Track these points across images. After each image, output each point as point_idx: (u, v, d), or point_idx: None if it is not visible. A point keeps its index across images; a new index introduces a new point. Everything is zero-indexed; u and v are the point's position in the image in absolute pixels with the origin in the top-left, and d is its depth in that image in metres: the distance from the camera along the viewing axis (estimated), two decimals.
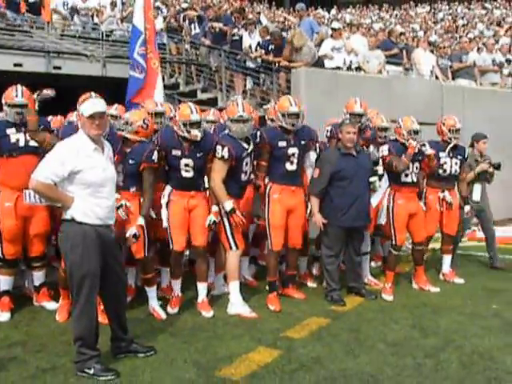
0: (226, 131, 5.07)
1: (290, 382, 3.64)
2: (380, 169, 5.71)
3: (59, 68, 10.87)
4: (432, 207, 5.99)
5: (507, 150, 8.64)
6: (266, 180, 5.26)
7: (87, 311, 3.64)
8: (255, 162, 5.28)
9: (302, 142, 5.25)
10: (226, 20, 11.47)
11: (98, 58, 11.16)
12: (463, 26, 18.88)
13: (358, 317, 4.95)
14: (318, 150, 5.63)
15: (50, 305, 5.02)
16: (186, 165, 4.85)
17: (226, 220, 4.93)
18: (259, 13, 16.30)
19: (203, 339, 4.34)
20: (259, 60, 9.68)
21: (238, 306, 4.97)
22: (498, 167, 6.57)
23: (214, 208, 4.90)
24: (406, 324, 4.76)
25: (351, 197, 5.21)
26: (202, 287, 5.02)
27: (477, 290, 5.83)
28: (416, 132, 5.61)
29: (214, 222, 4.87)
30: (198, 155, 4.86)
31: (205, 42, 11.12)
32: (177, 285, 5.07)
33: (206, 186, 5.05)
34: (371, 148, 5.85)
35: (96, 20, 12.76)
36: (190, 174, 4.88)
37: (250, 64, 9.86)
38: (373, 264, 6.47)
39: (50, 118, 5.63)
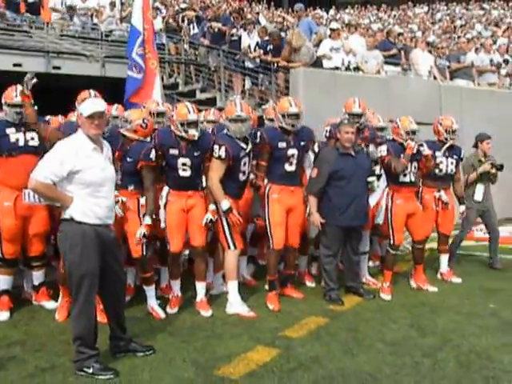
0: (225, 131, 5.09)
1: (288, 381, 3.65)
2: (378, 169, 5.73)
3: (59, 68, 10.89)
4: (428, 207, 6.00)
5: (504, 150, 8.64)
6: (265, 180, 5.27)
7: (86, 311, 3.65)
8: (255, 162, 5.30)
9: (302, 143, 5.26)
10: (224, 20, 11.49)
11: (97, 58, 11.18)
12: (461, 26, 18.86)
13: (356, 316, 4.96)
14: (317, 150, 5.64)
15: (49, 304, 5.03)
16: (184, 164, 4.86)
17: (224, 220, 4.93)
18: (258, 13, 16.31)
19: (202, 338, 4.34)
20: (258, 60, 9.69)
21: (236, 305, 4.98)
22: (500, 168, 6.57)
23: (212, 207, 4.91)
24: (404, 323, 4.77)
25: (349, 196, 5.22)
26: (200, 286, 5.03)
27: (474, 290, 5.85)
28: (414, 132, 5.62)
29: (211, 220, 4.88)
30: (195, 154, 4.87)
31: (203, 42, 11.14)
32: (176, 285, 5.08)
33: (204, 185, 5.07)
34: (371, 147, 5.84)
35: (95, 20, 12.75)
36: (187, 174, 4.89)
37: (248, 64, 9.86)
38: (371, 263, 6.48)
39: (48, 117, 5.64)
